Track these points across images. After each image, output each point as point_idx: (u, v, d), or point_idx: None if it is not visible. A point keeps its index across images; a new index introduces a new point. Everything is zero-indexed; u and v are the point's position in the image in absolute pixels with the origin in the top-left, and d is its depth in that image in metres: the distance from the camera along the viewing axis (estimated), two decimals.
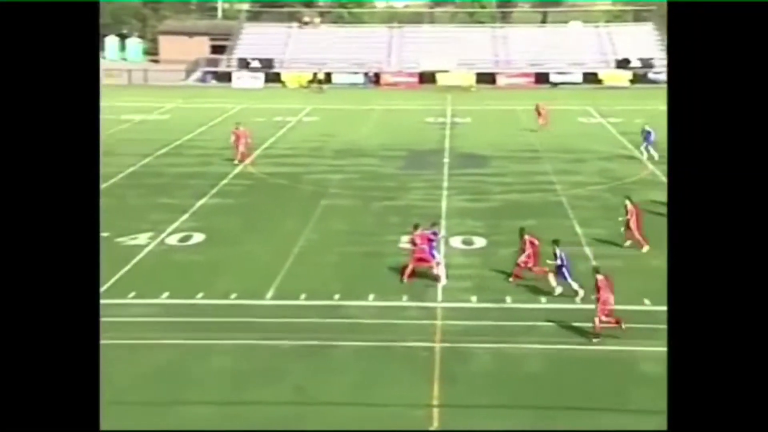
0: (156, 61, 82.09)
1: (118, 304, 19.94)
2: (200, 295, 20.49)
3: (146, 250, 24.25)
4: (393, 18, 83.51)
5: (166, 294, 20.56)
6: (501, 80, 69.21)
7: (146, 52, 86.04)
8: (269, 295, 20.56)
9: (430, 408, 15.02)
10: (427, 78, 69.48)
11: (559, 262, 20.19)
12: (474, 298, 20.34)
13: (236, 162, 35.82)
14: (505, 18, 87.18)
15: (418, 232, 21.63)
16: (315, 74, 67.94)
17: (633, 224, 23.74)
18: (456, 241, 25.07)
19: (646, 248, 23.52)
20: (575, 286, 20.00)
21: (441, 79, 68.84)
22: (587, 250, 23.95)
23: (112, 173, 34.42)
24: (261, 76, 70.21)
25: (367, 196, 30.87)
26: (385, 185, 32.83)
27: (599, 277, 17.97)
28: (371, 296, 20.42)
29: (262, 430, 14.28)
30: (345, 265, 22.98)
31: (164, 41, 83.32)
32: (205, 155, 38.41)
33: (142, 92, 64.27)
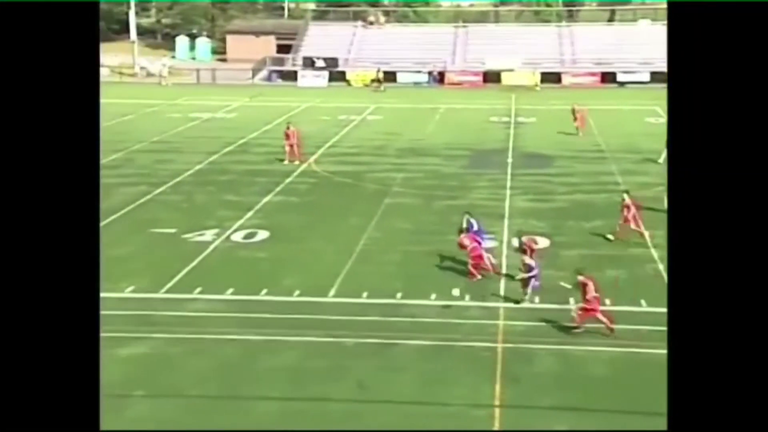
0: (224, 60, 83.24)
1: (185, 299, 20.32)
2: (264, 291, 20.74)
3: (212, 246, 24.63)
4: (458, 17, 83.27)
5: (231, 290, 20.86)
6: (566, 79, 68.50)
7: (214, 51, 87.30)
8: (332, 292, 20.72)
9: (492, 408, 14.98)
10: (491, 77, 69.13)
11: (532, 272, 19.75)
12: (537, 299, 20.20)
13: (297, 162, 36.11)
14: (571, 16, 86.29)
15: (462, 235, 21.83)
16: (378, 72, 68.23)
17: (630, 218, 24.43)
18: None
19: (647, 234, 24.43)
20: (529, 292, 19.73)
21: (505, 78, 68.43)
22: (654, 252, 23.60)
23: (179, 170, 35.07)
24: (326, 74, 70.69)
25: (430, 195, 30.87)
26: (448, 184, 32.78)
27: (580, 278, 18.24)
28: (433, 295, 20.42)
29: (324, 430, 14.40)
30: (407, 263, 23.02)
31: (231, 40, 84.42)
32: (271, 153, 38.80)
33: (209, 91, 65.24)
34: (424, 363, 16.84)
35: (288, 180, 33.37)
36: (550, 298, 20.14)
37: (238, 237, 25.65)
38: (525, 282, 19.90)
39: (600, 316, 17.98)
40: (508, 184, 32.67)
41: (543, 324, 18.67)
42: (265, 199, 30.26)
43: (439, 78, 70.20)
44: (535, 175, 34.33)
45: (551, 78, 67.99)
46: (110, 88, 66.85)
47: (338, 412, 14.95)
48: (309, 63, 72.24)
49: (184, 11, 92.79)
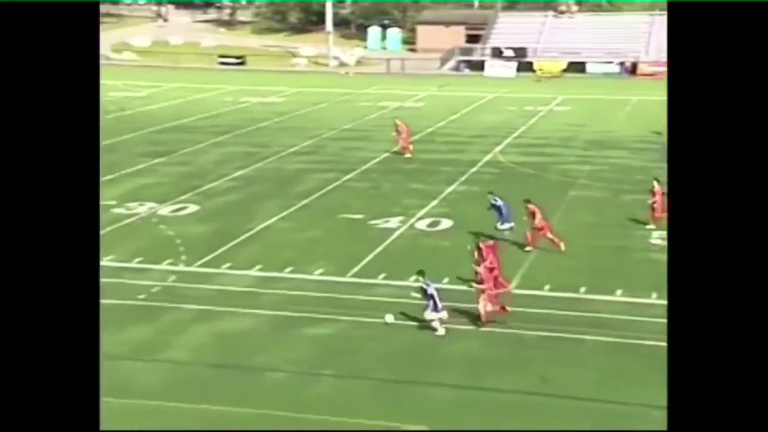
0: (413, 50, 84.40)
1: (369, 283, 20.95)
2: (446, 280, 21.00)
3: (397, 233, 25.20)
4: (654, 5, 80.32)
5: (414, 277, 21.24)
6: None
7: (405, 42, 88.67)
8: (514, 284, 20.71)
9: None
10: None
11: (430, 292, 17.76)
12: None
13: (408, 155, 35.86)
14: None
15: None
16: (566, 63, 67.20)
17: (657, 206, 24.01)
18: None
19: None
20: (435, 317, 17.74)
21: None
22: None
23: (367, 158, 36.03)
24: (513, 64, 70.22)
25: (616, 189, 30.18)
26: (636, 178, 31.88)
27: (478, 269, 18.46)
28: (619, 291, 20.03)
29: (499, 430, 14.51)
30: (591, 257, 22.67)
31: (421, 31, 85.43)
32: (456, 143, 39.14)
33: (399, 80, 66.36)
34: (606, 360, 16.60)
35: (472, 170, 33.55)
36: None
37: (422, 225, 26.10)
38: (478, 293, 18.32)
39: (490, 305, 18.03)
40: None
41: None
42: (450, 189, 30.58)
43: (631, 68, 68.14)
44: None
45: None
46: (305, 78, 69.38)
47: (513, 404, 15.01)
48: (497, 53, 72.04)
49: (377, 3, 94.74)
